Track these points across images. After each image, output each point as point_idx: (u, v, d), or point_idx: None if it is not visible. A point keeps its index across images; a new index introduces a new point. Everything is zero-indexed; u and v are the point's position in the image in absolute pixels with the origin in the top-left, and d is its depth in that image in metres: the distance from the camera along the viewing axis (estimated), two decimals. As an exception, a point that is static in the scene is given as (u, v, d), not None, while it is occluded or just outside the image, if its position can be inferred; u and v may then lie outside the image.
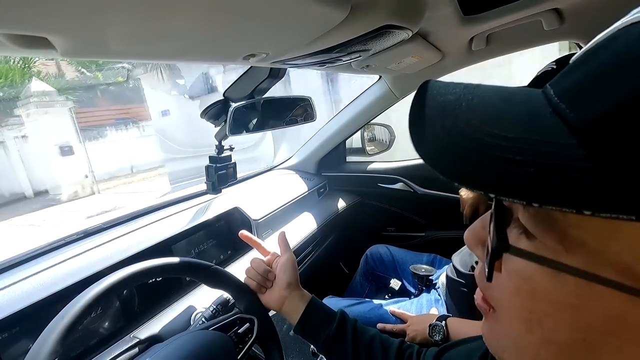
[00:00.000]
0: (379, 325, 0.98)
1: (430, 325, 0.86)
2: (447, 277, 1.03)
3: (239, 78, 0.91)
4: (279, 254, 0.68)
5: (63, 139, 8.93)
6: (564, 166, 0.15)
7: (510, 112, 0.18)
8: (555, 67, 0.25)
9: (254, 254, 1.03)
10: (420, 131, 0.19)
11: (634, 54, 0.15)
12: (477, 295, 0.26)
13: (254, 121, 0.94)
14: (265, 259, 0.67)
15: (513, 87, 0.20)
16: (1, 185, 9.47)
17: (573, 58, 0.19)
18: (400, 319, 0.99)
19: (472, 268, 0.93)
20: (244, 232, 0.70)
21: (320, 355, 0.82)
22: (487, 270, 0.22)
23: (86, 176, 9.45)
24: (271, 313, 0.69)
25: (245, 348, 0.58)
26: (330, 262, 1.54)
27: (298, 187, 1.39)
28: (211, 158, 0.99)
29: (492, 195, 0.17)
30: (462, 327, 0.84)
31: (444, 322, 0.85)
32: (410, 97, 1.37)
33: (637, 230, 0.15)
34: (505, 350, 0.24)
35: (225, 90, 0.93)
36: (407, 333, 0.92)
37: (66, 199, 8.90)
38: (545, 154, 0.15)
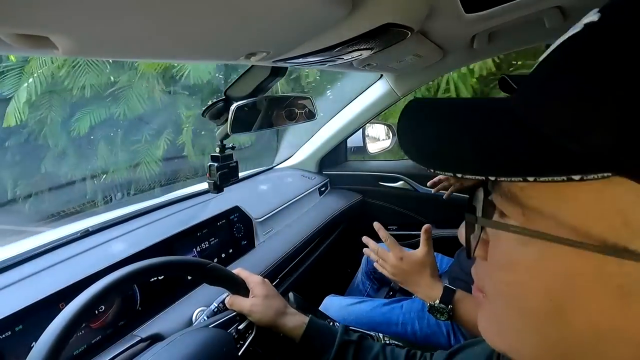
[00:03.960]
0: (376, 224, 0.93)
1: (430, 306, 0.76)
2: (450, 275, 1.03)
3: (240, 77, 0.91)
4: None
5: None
6: (509, 147, 0.20)
7: (474, 119, 0.24)
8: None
9: (254, 254, 1.03)
10: (406, 139, 0.26)
11: (552, 65, 0.21)
12: (473, 288, 0.28)
13: (256, 120, 0.94)
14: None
15: (481, 99, 0.26)
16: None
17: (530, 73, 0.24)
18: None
19: None
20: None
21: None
22: (467, 248, 0.26)
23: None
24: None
25: (246, 344, 0.58)
26: (332, 261, 1.54)
27: (299, 185, 1.39)
28: (213, 157, 0.98)
29: (459, 176, 0.22)
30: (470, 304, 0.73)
31: (450, 306, 0.74)
32: (409, 97, 1.36)
33: (577, 194, 0.19)
34: (496, 333, 0.26)
35: (227, 89, 0.93)
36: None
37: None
38: (494, 143, 0.21)
